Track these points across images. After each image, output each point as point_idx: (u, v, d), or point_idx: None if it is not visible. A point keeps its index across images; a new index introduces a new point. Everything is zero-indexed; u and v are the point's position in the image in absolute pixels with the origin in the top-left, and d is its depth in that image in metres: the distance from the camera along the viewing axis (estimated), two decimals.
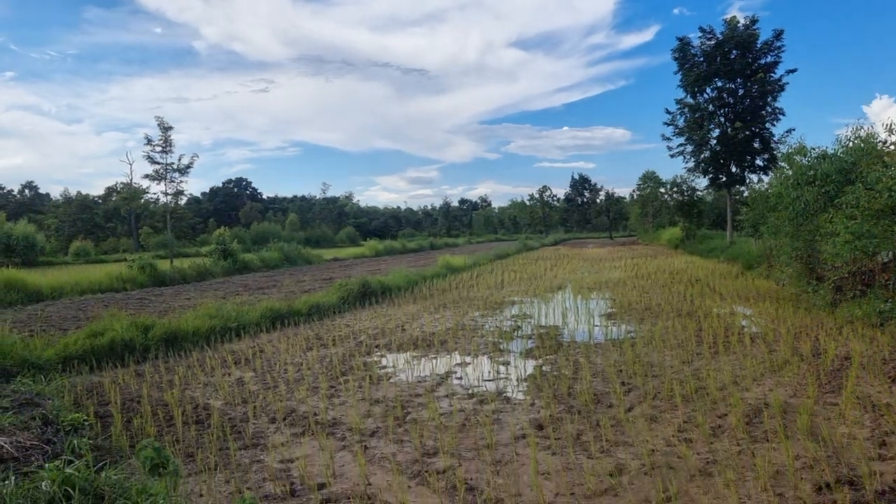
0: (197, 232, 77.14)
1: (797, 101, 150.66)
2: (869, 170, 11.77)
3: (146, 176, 32.68)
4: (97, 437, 6.25)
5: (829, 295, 12.50)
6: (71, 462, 4.59)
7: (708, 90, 33.33)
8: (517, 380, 8.47)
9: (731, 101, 32.75)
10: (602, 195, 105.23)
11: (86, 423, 6.42)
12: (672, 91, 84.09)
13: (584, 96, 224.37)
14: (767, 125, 32.36)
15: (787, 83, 31.70)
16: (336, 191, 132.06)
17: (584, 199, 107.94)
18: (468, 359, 9.88)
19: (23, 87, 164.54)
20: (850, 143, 14.12)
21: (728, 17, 32.54)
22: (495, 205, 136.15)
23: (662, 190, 63.02)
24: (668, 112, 35.33)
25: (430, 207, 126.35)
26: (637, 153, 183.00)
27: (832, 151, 14.60)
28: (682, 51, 33.38)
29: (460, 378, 8.72)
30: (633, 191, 78.66)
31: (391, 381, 8.65)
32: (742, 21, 32.27)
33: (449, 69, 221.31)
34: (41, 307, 16.88)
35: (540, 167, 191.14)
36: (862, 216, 11.14)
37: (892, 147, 12.75)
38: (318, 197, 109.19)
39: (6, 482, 4.33)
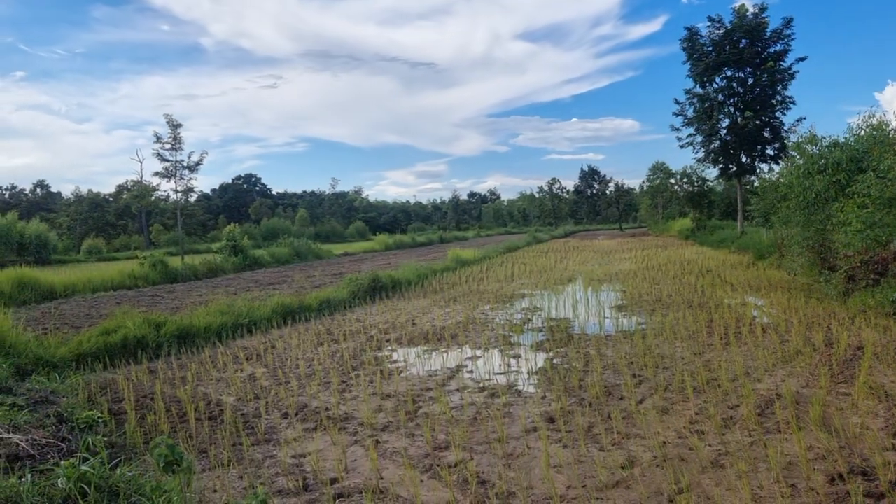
0: (207, 228, 77.36)
1: (807, 90, 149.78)
2: (881, 158, 11.66)
3: (156, 173, 32.99)
4: (111, 434, 6.31)
5: (842, 284, 12.38)
6: (86, 459, 4.64)
7: (717, 80, 33.09)
8: (528, 373, 8.47)
9: (741, 91, 32.46)
10: (612, 186, 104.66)
11: (100, 421, 6.49)
12: (681, 81, 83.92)
13: (592, 88, 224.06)
14: (777, 114, 32.14)
15: (797, 71, 31.52)
16: (345, 186, 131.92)
17: (594, 191, 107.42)
18: (479, 352, 9.89)
19: (33, 86, 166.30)
20: (862, 132, 14.01)
21: (737, 5, 32.15)
22: (504, 198, 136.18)
23: (672, 181, 62.85)
24: (677, 102, 35.15)
25: (439, 201, 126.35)
26: (646, 144, 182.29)
27: (843, 140, 14.48)
28: (691, 40, 33.13)
29: (471, 372, 8.73)
30: (643, 182, 78.29)
31: (402, 375, 8.68)
32: (751, 9, 31.97)
33: (457, 62, 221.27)
34: (54, 305, 17.04)
35: (549, 159, 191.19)
36: (874, 205, 11.05)
37: None
38: (327, 192, 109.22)
39: (23, 480, 4.39)
